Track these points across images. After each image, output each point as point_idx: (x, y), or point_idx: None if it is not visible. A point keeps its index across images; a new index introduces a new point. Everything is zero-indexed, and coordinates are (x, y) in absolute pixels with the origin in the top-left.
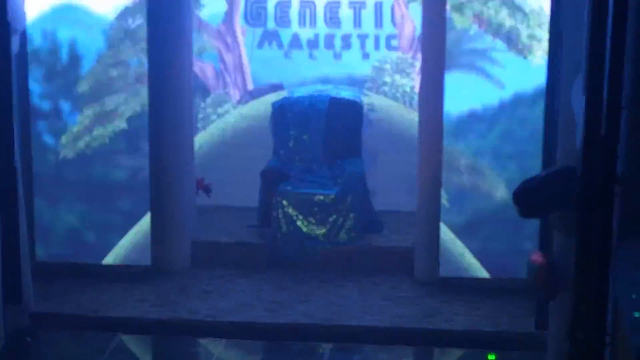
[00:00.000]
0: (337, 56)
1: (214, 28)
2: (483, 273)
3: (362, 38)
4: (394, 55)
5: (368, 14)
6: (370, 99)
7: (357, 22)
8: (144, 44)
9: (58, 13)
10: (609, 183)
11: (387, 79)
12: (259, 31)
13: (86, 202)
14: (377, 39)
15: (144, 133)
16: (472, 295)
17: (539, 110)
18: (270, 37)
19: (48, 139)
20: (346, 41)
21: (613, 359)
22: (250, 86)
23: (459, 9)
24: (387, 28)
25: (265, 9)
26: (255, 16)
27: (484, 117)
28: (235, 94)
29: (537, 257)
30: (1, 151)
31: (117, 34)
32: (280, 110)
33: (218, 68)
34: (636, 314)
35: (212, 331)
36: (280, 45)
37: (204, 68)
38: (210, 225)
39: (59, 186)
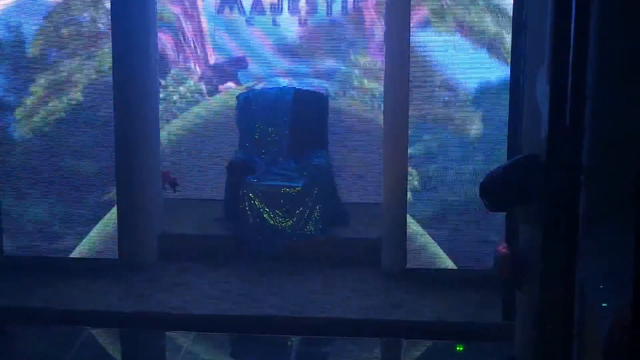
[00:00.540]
0: (301, 23)
1: None
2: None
3: None
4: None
5: None
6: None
7: None
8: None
9: (22, 6)
10: (574, 173)
11: (356, 83)
12: None
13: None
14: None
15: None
16: (439, 286)
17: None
18: (231, 1)
19: (14, 133)
20: (311, 4)
21: (581, 349)
22: (211, 59)
23: (439, 14)
24: None
25: None
26: None
27: None
28: (196, 69)
29: (502, 247)
30: None
31: None
32: (246, 102)
33: (177, 37)
34: (604, 304)
35: (180, 324)
36: (241, 10)
37: (162, 39)
38: (177, 218)
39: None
